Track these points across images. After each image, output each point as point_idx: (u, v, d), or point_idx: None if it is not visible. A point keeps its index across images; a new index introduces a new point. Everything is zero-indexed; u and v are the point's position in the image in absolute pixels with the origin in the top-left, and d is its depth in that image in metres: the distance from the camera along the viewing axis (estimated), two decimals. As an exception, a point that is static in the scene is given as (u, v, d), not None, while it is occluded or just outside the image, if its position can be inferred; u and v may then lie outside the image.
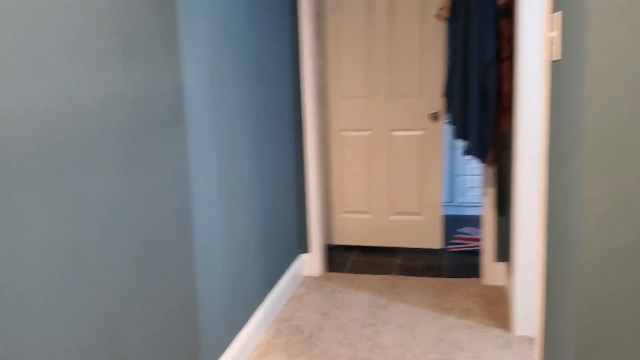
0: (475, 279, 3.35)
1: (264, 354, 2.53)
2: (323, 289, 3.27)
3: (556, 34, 1.54)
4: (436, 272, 3.51)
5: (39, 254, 1.25)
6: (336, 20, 3.68)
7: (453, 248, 3.94)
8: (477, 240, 3.95)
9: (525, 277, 2.56)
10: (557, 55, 1.55)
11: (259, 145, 2.70)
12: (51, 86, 1.28)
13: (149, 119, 1.70)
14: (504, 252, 3.19)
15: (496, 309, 2.94)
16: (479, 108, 2.85)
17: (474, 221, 4.39)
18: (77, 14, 1.37)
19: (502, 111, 2.87)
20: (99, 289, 1.47)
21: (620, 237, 1.22)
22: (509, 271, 2.96)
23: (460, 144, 3.12)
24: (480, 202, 3.48)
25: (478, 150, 2.90)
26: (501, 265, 3.23)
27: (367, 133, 3.78)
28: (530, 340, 2.56)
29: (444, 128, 3.69)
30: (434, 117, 3.64)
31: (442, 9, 3.11)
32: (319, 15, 3.64)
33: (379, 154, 3.78)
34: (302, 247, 3.49)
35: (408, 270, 3.56)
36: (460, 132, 2.96)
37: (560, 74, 1.52)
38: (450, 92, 2.95)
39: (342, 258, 3.80)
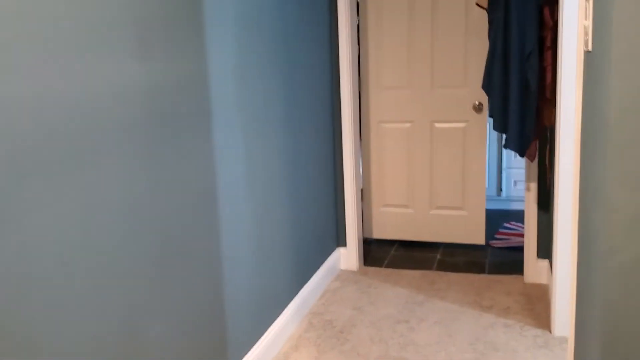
0: (517, 276, 3.24)
1: (295, 348, 2.54)
2: (359, 284, 3.24)
3: (589, 22, 1.45)
4: (477, 269, 3.42)
5: (61, 244, 1.28)
6: (377, 8, 3.61)
7: (497, 244, 3.82)
8: (521, 235, 3.81)
9: (565, 275, 2.46)
10: (589, 46, 1.45)
11: (291, 138, 2.69)
12: (67, 76, 1.30)
13: (171, 111, 1.71)
14: (546, 249, 3.06)
15: (537, 308, 2.83)
16: (519, 100, 2.74)
17: (521, 216, 4.24)
18: (95, 4, 1.39)
19: (545, 103, 2.75)
20: (121, 283, 1.50)
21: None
22: (551, 269, 2.84)
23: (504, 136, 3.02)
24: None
25: (518, 143, 2.79)
26: (544, 263, 3.11)
27: (408, 125, 3.70)
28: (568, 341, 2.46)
29: (489, 119, 3.57)
30: (479, 108, 3.52)
31: (482, -4, 2.99)
32: (359, 4, 3.58)
33: (420, 147, 3.70)
34: (340, 240, 3.47)
35: (448, 266, 3.49)
36: (500, 124, 2.85)
37: (593, 67, 1.43)
38: (489, 83, 2.85)
39: (381, 252, 3.76)
